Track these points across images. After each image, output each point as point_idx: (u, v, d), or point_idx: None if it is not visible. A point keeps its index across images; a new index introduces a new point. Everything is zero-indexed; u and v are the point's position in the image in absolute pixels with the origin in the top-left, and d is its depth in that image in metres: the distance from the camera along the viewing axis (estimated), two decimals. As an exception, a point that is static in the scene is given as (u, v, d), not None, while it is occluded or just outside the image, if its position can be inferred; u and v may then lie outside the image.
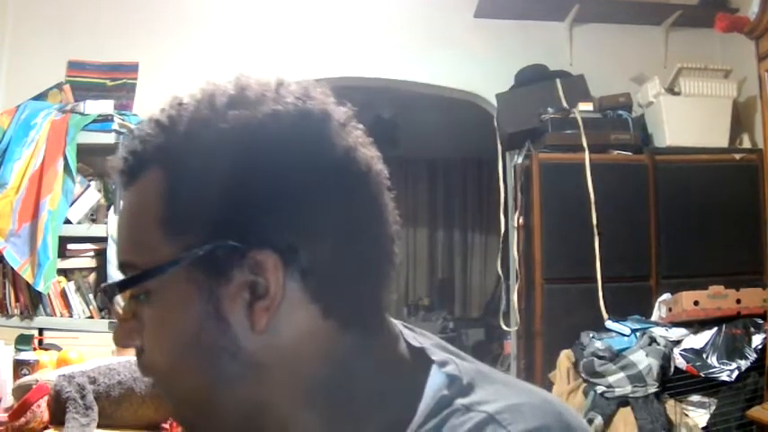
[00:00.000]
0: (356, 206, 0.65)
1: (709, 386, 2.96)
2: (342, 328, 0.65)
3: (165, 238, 0.63)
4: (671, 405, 2.99)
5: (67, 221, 3.61)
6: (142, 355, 0.67)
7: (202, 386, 0.64)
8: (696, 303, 3.16)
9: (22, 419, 1.83)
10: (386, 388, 0.66)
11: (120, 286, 0.66)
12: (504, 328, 4.27)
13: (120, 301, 0.68)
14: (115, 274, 3.44)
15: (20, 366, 2.31)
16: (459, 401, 0.62)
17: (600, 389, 3.05)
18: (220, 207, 0.61)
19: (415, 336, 0.72)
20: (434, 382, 0.65)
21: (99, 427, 1.85)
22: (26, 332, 2.97)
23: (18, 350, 2.56)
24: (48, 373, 2.06)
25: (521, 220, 3.90)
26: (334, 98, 0.68)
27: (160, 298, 0.64)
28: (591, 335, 3.26)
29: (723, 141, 3.83)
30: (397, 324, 0.72)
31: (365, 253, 0.66)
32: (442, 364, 0.66)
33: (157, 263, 0.63)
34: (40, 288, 3.46)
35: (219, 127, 0.63)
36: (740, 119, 3.97)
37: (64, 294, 3.56)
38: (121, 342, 0.68)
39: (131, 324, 0.67)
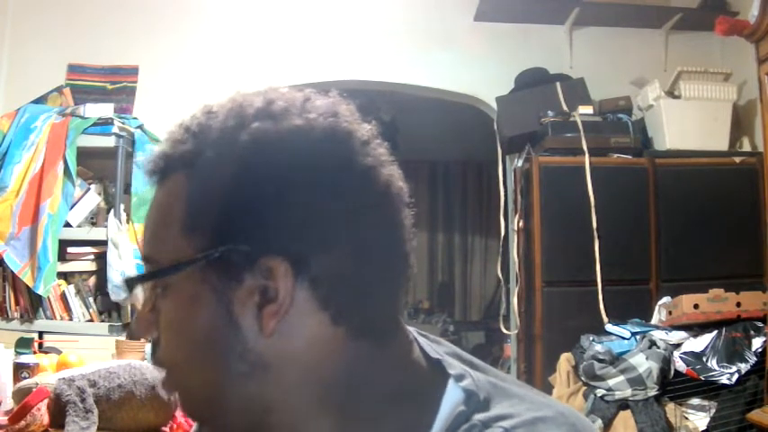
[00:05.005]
0: (371, 223, 0.67)
1: (710, 389, 2.96)
2: (352, 336, 0.66)
3: (184, 238, 0.66)
4: (671, 408, 2.99)
5: (67, 225, 3.61)
6: (156, 347, 0.70)
7: (212, 382, 0.67)
8: (696, 306, 3.16)
9: (22, 422, 1.83)
10: (399, 397, 0.67)
11: (140, 279, 0.70)
12: (505, 331, 4.27)
13: (139, 294, 0.73)
14: (115, 277, 3.45)
15: (20, 369, 2.31)
16: (477, 417, 0.64)
17: (600, 392, 3.04)
18: (236, 213, 0.64)
19: (429, 344, 0.73)
20: (451, 397, 0.66)
21: (99, 430, 1.85)
22: (26, 335, 2.97)
23: (18, 353, 2.57)
24: (48, 377, 2.06)
25: (521, 224, 3.90)
26: (359, 116, 0.70)
27: (176, 294, 0.67)
28: (591, 338, 3.26)
29: (723, 145, 3.83)
30: (412, 331, 0.74)
31: (378, 267, 0.67)
32: (459, 378, 0.67)
33: (176, 261, 0.66)
34: (40, 291, 3.45)
35: (241, 138, 0.65)
36: (740, 122, 3.97)
37: (64, 298, 3.56)
38: (138, 333, 0.73)
39: (150, 316, 0.70)
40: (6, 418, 1.93)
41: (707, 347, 3.03)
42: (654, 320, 3.42)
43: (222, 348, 0.65)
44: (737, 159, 3.75)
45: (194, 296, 0.66)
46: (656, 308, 3.46)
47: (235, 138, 0.65)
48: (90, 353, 2.85)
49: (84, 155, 3.68)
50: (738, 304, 3.14)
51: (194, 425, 0.86)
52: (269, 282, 0.63)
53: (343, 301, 0.65)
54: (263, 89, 0.71)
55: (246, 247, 0.63)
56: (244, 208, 0.64)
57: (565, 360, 3.29)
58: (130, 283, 0.71)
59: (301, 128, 0.66)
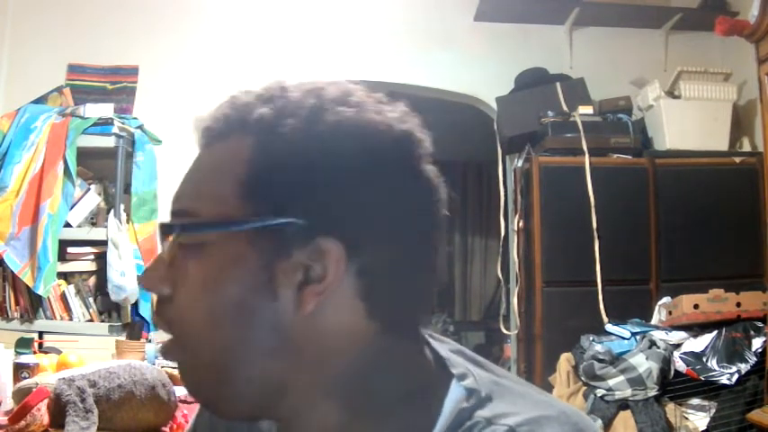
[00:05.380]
0: (421, 226, 0.69)
1: (710, 389, 2.96)
2: (380, 330, 0.67)
3: (240, 199, 0.65)
4: (671, 408, 2.99)
5: (67, 225, 3.61)
6: (167, 305, 0.68)
7: (231, 350, 0.65)
8: (696, 307, 3.16)
9: (22, 423, 1.83)
10: (408, 394, 0.68)
11: (183, 227, 0.67)
12: (505, 331, 4.27)
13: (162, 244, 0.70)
14: (115, 278, 3.45)
15: (20, 369, 2.31)
16: (480, 414, 0.65)
17: (600, 392, 3.05)
18: (304, 188, 0.64)
19: (436, 342, 0.74)
20: (454, 395, 0.67)
21: (99, 430, 1.85)
22: (26, 335, 2.97)
23: (18, 353, 2.57)
24: (48, 377, 2.06)
25: (521, 224, 3.90)
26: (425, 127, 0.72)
27: (215, 252, 0.66)
28: (591, 338, 3.26)
29: (723, 145, 3.83)
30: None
31: (418, 267, 0.69)
32: (461, 377, 0.68)
33: (225, 218, 0.65)
34: (40, 291, 3.46)
35: (326, 118, 0.65)
36: (740, 122, 3.98)
37: (64, 298, 3.56)
38: (151, 284, 0.69)
39: (165, 271, 0.68)
40: (6, 418, 1.93)
41: (707, 347, 3.03)
42: (654, 320, 3.42)
43: (254, 318, 0.64)
44: (737, 159, 3.75)
45: (236, 258, 0.65)
46: (656, 308, 3.46)
47: (318, 116, 0.65)
48: (90, 353, 2.85)
49: (84, 155, 3.68)
50: (738, 304, 3.14)
51: (189, 423, 0.86)
52: (319, 262, 0.63)
53: (381, 295, 0.66)
54: (334, 80, 0.71)
55: (306, 223, 0.63)
56: (313, 185, 0.64)
57: (565, 360, 3.29)
58: (167, 229, 0.69)
59: (380, 124, 0.67)
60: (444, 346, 0.73)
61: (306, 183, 0.64)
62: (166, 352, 0.70)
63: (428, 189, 0.69)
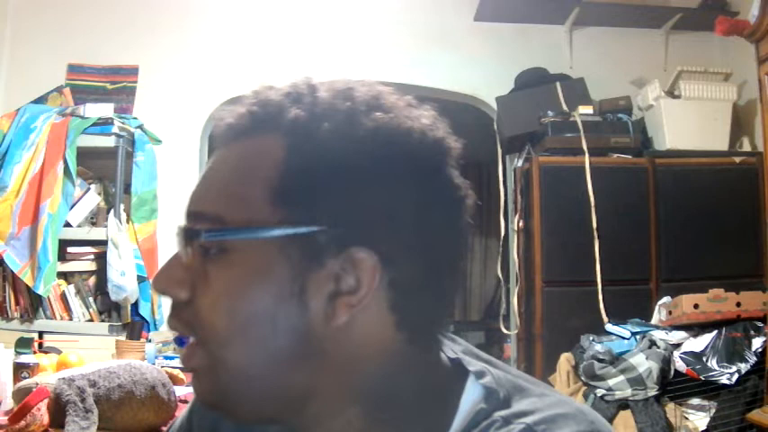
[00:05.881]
0: (450, 238, 0.68)
1: (710, 389, 2.96)
2: (409, 342, 0.66)
3: (270, 203, 0.62)
4: (671, 408, 2.99)
5: (67, 225, 3.61)
6: (185, 309, 0.65)
7: (258, 358, 0.63)
8: (696, 306, 3.16)
9: (22, 422, 1.83)
10: (428, 397, 0.67)
11: (207, 233, 0.63)
12: (505, 331, 4.27)
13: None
14: (115, 278, 3.45)
15: (20, 369, 2.31)
16: (498, 414, 0.64)
17: (600, 392, 3.05)
18: (340, 195, 0.62)
19: (448, 342, 0.73)
20: (471, 393, 0.67)
21: (99, 430, 1.85)
22: (26, 335, 2.97)
23: (18, 353, 2.56)
24: (48, 377, 2.06)
25: (521, 224, 3.90)
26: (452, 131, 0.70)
27: (242, 259, 0.63)
28: (591, 338, 3.26)
29: (723, 144, 3.83)
30: None
31: (446, 279, 0.68)
32: (479, 374, 0.68)
33: (255, 224, 0.62)
34: (40, 291, 3.45)
35: (363, 123, 0.63)
36: (740, 122, 3.98)
37: (64, 297, 3.56)
38: (165, 287, 0.66)
39: (182, 273, 0.65)
40: (6, 418, 1.92)
41: (707, 347, 3.03)
42: (654, 320, 3.42)
43: (282, 327, 0.62)
44: (737, 159, 3.75)
45: (265, 266, 0.62)
46: (656, 308, 3.46)
47: (355, 121, 0.63)
48: (90, 353, 2.85)
49: (84, 155, 3.68)
50: (738, 304, 3.14)
51: (178, 419, 0.83)
52: (351, 272, 0.62)
53: (411, 307, 0.65)
54: (362, 79, 0.69)
55: (341, 231, 0.61)
56: (348, 192, 0.62)
57: (565, 360, 3.29)
58: (189, 235, 0.64)
59: (416, 131, 0.65)
60: (457, 347, 0.73)
61: (340, 189, 0.62)
62: (188, 358, 0.65)
63: (459, 198, 0.68)
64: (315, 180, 0.62)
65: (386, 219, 0.62)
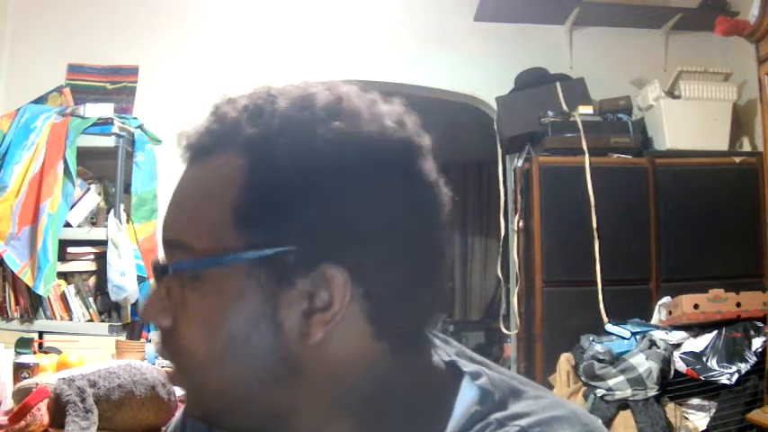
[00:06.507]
0: (427, 244, 0.66)
1: (710, 389, 2.96)
2: (391, 351, 0.65)
3: (233, 228, 0.61)
4: (671, 408, 2.99)
5: (67, 225, 3.61)
6: (169, 336, 0.65)
7: (240, 381, 0.63)
8: (696, 307, 3.16)
9: (22, 422, 1.83)
10: (419, 402, 0.66)
11: (174, 268, 0.64)
12: (505, 331, 4.27)
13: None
14: (115, 278, 3.45)
15: (20, 369, 2.31)
16: (493, 416, 0.63)
17: (600, 392, 3.05)
18: (302, 214, 0.60)
19: (441, 343, 0.73)
20: (466, 395, 0.66)
21: (99, 429, 1.85)
22: (26, 335, 2.97)
23: (18, 353, 2.57)
24: (48, 377, 2.06)
25: (521, 224, 3.90)
26: (421, 128, 0.68)
27: (213, 286, 0.62)
28: (591, 338, 3.26)
29: (723, 144, 3.83)
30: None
31: (425, 286, 0.66)
32: (475, 375, 0.67)
33: (220, 251, 0.62)
34: (40, 291, 3.45)
35: (321, 134, 0.61)
36: (740, 122, 3.97)
37: (64, 298, 3.56)
38: (151, 316, 0.66)
39: (164, 302, 0.65)
40: (6, 418, 1.93)
41: (707, 347, 3.03)
42: (654, 320, 3.42)
43: (259, 349, 0.62)
44: (737, 159, 3.75)
45: (236, 292, 0.61)
46: (656, 308, 3.46)
47: (312, 134, 0.61)
48: (90, 353, 2.85)
49: (84, 155, 3.68)
50: (738, 304, 3.14)
51: (173, 421, 0.84)
52: (324, 290, 0.61)
53: (388, 316, 0.64)
54: (325, 82, 0.67)
55: (308, 250, 0.60)
56: (314, 210, 0.60)
57: (565, 360, 3.29)
58: (162, 271, 0.64)
59: (377, 136, 0.63)
60: (451, 348, 0.72)
61: (303, 207, 0.60)
62: (172, 380, 0.67)
63: (431, 196, 0.66)
64: (276, 200, 0.61)
65: (354, 231, 0.61)
